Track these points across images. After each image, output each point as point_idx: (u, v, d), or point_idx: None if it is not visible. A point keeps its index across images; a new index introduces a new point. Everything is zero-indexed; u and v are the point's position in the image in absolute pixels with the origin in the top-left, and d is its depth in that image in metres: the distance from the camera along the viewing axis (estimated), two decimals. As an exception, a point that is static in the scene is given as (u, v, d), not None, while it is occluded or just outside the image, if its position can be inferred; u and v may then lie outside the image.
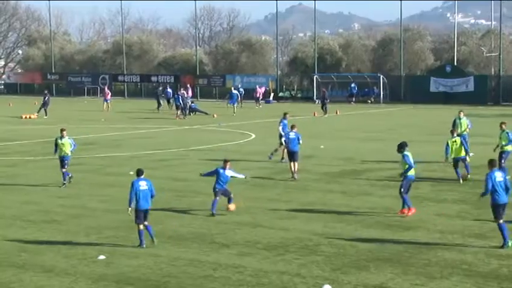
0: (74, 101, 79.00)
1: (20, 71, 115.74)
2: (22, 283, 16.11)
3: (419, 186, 26.96)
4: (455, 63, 79.23)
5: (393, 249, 18.40)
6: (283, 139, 32.07)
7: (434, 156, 35.08)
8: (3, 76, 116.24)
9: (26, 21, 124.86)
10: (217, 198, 22.66)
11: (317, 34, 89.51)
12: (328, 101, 63.78)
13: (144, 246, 18.64)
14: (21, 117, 60.78)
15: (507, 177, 18.86)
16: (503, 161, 28.55)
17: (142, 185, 18.91)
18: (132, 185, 18.87)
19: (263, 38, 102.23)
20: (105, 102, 67.73)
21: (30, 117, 60.80)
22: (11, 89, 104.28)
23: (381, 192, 26.26)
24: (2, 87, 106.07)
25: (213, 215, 22.29)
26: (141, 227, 18.76)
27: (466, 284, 15.76)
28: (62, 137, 28.79)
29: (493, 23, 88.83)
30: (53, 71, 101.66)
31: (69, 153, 28.64)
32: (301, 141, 30.24)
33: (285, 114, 35.87)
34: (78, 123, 56.42)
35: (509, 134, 29.19)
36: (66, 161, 28.30)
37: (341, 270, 16.74)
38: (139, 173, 19.21)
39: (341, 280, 16.05)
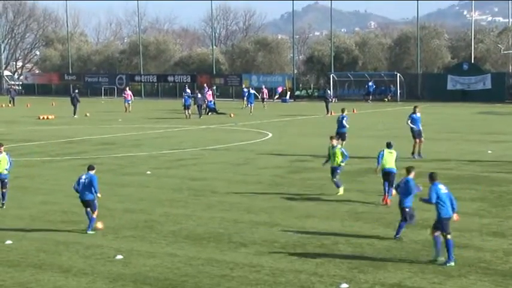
0: (91, 101, 79.24)
1: (37, 71, 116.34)
2: (40, 283, 16.18)
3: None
4: (473, 61, 78.91)
5: (411, 248, 18.34)
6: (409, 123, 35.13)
7: (451, 154, 35.00)
8: (21, 77, 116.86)
9: (43, 23, 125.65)
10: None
11: (333, 33, 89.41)
12: (331, 100, 63.65)
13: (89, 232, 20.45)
14: (39, 118, 61.04)
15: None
16: None
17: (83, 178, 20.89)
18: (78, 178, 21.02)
19: (279, 37, 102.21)
20: (126, 103, 67.53)
21: (47, 118, 61.03)
22: (29, 89, 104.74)
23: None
24: (20, 88, 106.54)
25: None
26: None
27: (484, 282, 15.69)
28: None
29: (511, 20, 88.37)
30: (70, 71, 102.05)
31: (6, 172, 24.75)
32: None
33: (414, 107, 36.50)
34: (96, 123, 56.62)
35: None
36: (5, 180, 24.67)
37: (358, 269, 16.71)
38: (89, 168, 21.19)
39: (358, 279, 16.02)
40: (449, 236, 16.97)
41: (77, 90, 69.57)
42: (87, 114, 63.29)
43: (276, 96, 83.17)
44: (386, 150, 25.09)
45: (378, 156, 24.97)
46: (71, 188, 27.78)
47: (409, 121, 35.01)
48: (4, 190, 24.36)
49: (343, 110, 38.11)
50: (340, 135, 34.82)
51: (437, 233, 17.10)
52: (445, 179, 28.15)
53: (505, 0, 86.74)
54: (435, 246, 17.16)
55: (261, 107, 68.68)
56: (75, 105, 64.15)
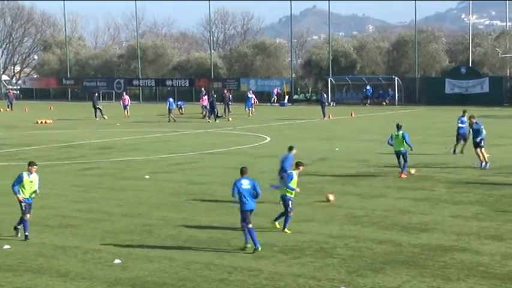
0: (89, 105, 79.05)
1: (35, 76, 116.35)
2: (38, 287, 16.15)
3: (435, 188, 26.90)
4: (470, 65, 79.01)
5: (409, 251, 18.34)
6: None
7: (450, 158, 35.01)
8: (19, 81, 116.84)
9: (41, 27, 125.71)
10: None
11: (331, 36, 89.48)
12: (326, 104, 63.62)
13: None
14: (37, 122, 61.02)
15: (256, 183, 19.37)
16: None
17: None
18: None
19: (277, 41, 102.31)
20: (124, 109, 67.11)
21: (45, 122, 61.02)
22: (27, 94, 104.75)
23: (397, 194, 26.18)
24: (18, 92, 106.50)
25: None
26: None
27: (483, 286, 15.68)
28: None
29: (508, 23, 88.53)
30: (68, 75, 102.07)
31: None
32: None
33: (464, 111, 37.42)
34: (94, 127, 56.61)
35: None
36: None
37: (357, 272, 16.70)
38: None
39: (357, 283, 16.01)
40: (250, 225, 18.73)
41: (96, 94, 69.69)
42: (106, 117, 63.88)
43: (273, 99, 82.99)
44: (394, 133, 29.75)
45: (388, 140, 30.25)
46: (69, 192, 27.89)
47: (458, 123, 36.62)
48: (28, 217, 20.65)
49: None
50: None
51: (244, 224, 18.79)
52: (444, 182, 28.26)
53: (503, 2, 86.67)
54: (245, 236, 18.78)
55: (262, 110, 68.66)
56: (95, 109, 65.29)
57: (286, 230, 20.58)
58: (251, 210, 19.00)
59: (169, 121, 60.11)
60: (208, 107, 63.85)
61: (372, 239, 19.58)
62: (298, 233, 20.51)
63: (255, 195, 19.19)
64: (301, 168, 21.28)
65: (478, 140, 31.99)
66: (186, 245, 19.40)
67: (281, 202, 21.23)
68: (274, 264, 17.50)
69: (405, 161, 29.85)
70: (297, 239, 19.83)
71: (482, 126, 32.48)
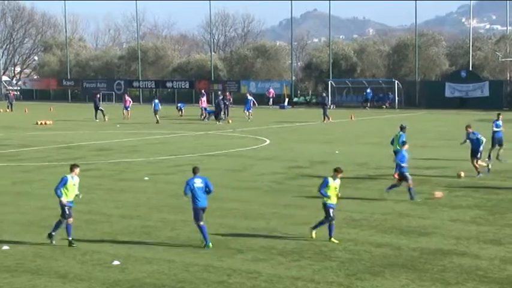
0: (89, 106, 79.00)
1: (35, 77, 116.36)
2: (37, 288, 16.17)
3: (434, 192, 26.88)
4: (471, 69, 79.04)
5: (408, 255, 18.34)
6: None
7: (449, 162, 35.00)
8: (19, 82, 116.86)
9: (42, 28, 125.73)
10: None
11: (332, 39, 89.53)
12: (328, 106, 63.51)
13: None
14: (37, 123, 61.02)
15: (209, 181, 19.81)
16: None
17: None
18: None
19: (278, 44, 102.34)
20: (125, 110, 67.13)
21: (45, 123, 61.02)
22: (27, 95, 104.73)
23: (396, 197, 26.17)
24: (18, 93, 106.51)
25: None
26: None
27: (481, 290, 15.69)
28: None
29: (509, 28, 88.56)
30: (69, 77, 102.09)
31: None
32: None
33: (498, 114, 36.82)
34: (94, 128, 56.63)
35: None
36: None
37: (356, 276, 16.70)
38: None
39: (355, 286, 16.01)
40: (201, 223, 19.29)
41: (98, 96, 69.64)
42: (107, 119, 63.72)
43: (270, 101, 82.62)
44: (395, 134, 30.49)
45: (391, 141, 30.92)
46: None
47: (494, 127, 35.52)
48: (71, 221, 19.94)
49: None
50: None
51: (199, 222, 19.35)
52: (443, 186, 28.26)
53: (503, 5, 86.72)
54: (201, 233, 19.31)
55: (261, 112, 68.67)
56: (96, 110, 65.21)
57: (333, 239, 19.79)
58: (204, 208, 19.52)
59: (157, 122, 60.52)
60: (206, 109, 63.94)
61: (371, 243, 19.59)
62: (297, 235, 20.51)
63: (208, 192, 19.70)
64: (339, 174, 20.37)
65: (479, 151, 30.63)
66: (184, 247, 19.40)
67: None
68: (273, 266, 17.51)
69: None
70: (296, 241, 19.82)
71: (480, 136, 31.02)
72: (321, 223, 20.17)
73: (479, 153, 30.71)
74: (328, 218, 19.96)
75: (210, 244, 19.24)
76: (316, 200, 25.92)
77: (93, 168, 34.58)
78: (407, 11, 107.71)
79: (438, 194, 26.14)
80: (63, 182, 19.93)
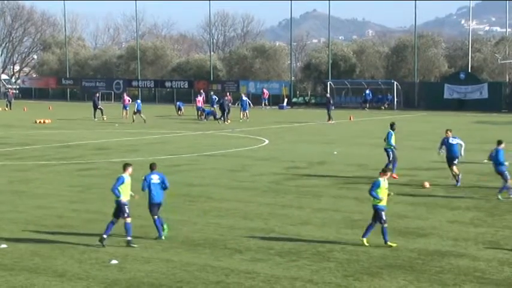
0: (88, 105, 78.99)
1: (34, 75, 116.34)
2: (34, 287, 16.14)
3: (432, 193, 26.90)
4: (470, 70, 79.07)
5: (406, 256, 18.34)
6: None
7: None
8: (18, 81, 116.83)
9: (41, 27, 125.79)
10: None
11: (331, 40, 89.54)
12: (333, 107, 63.50)
13: None
14: (36, 122, 61.00)
15: (166, 178, 20.37)
16: None
17: None
18: None
19: (277, 44, 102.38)
20: (124, 110, 66.89)
21: (44, 122, 61.00)
22: (26, 93, 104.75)
23: (394, 198, 26.13)
24: (17, 91, 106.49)
25: None
26: None
27: (479, 291, 15.69)
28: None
29: (508, 30, 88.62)
30: (68, 76, 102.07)
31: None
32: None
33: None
34: (92, 127, 56.61)
35: None
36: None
37: (353, 276, 16.70)
38: None
39: (353, 287, 16.00)
40: (155, 217, 20.06)
41: (97, 94, 69.53)
42: (105, 118, 63.54)
43: (264, 103, 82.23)
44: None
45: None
46: (66, 193, 27.88)
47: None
48: (129, 220, 19.85)
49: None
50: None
51: (154, 216, 20.11)
52: (442, 188, 28.24)
53: (503, 7, 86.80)
54: (155, 226, 20.05)
55: (256, 113, 68.63)
56: (95, 109, 65.15)
57: (389, 243, 19.18)
58: (159, 204, 20.16)
59: (133, 121, 60.93)
60: (205, 110, 63.99)
61: (369, 243, 19.56)
62: (295, 236, 20.51)
63: (164, 188, 20.26)
64: (388, 174, 19.95)
65: (455, 156, 28.94)
66: (183, 247, 19.39)
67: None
68: (271, 267, 17.50)
69: (388, 160, 30.76)
70: (294, 242, 19.82)
71: (460, 140, 29.27)
72: (369, 228, 19.56)
73: (456, 159, 28.95)
74: (380, 222, 19.34)
75: (163, 237, 19.98)
76: (315, 200, 25.95)
77: (92, 167, 34.57)
78: (407, 12, 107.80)
79: (426, 184, 26.69)
80: (120, 181, 19.96)
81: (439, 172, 32.21)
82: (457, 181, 28.89)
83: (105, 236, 19.55)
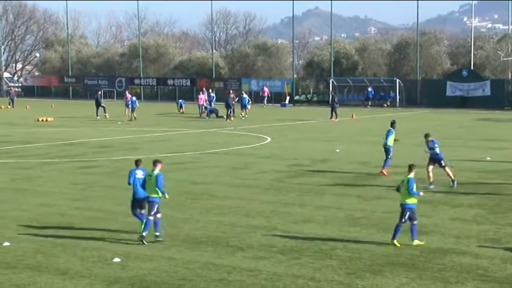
0: (90, 103, 79.04)
1: (37, 73, 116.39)
2: (37, 285, 16.15)
3: (435, 191, 26.88)
4: (472, 68, 79.01)
5: (408, 254, 18.33)
6: None
7: (450, 161, 34.97)
8: (21, 79, 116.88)
9: (43, 25, 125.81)
10: None
11: (333, 38, 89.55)
12: (338, 105, 63.46)
13: None
14: (38, 120, 61.03)
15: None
16: None
17: None
18: None
19: (279, 42, 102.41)
20: (126, 108, 66.43)
21: (46, 120, 61.03)
22: (28, 91, 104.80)
23: (396, 196, 26.11)
24: (19, 89, 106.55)
25: None
26: None
27: (481, 289, 15.69)
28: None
29: (510, 27, 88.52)
30: (70, 73, 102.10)
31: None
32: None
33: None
34: (95, 125, 56.63)
35: None
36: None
37: (356, 274, 16.70)
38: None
39: (356, 284, 16.01)
40: (143, 211, 20.06)
41: (100, 92, 69.41)
42: (107, 116, 63.41)
43: (264, 102, 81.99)
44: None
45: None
46: (68, 190, 27.90)
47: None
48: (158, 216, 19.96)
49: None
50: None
51: (142, 211, 20.16)
52: (443, 185, 28.20)
53: (505, 4, 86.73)
54: (145, 225, 19.69)
55: (256, 110, 68.53)
56: (97, 106, 65.02)
57: (417, 241, 19.10)
58: (141, 199, 20.16)
59: (130, 119, 60.74)
60: (207, 108, 64.04)
61: (371, 241, 19.58)
62: (297, 233, 20.51)
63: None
64: (414, 170, 19.64)
65: (441, 158, 28.28)
66: (185, 245, 19.40)
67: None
68: (273, 264, 17.51)
69: (386, 157, 30.92)
70: (296, 240, 19.82)
71: (437, 145, 28.46)
72: (398, 228, 19.22)
73: (442, 161, 28.22)
74: (404, 220, 19.12)
75: (145, 234, 19.57)
76: (317, 198, 25.95)
77: (94, 165, 34.60)
78: (409, 9, 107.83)
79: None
80: (162, 178, 19.97)
81: (441, 169, 32.16)
82: (453, 181, 27.93)
83: (144, 234, 19.65)
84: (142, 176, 20.17)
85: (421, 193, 19.68)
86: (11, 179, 30.90)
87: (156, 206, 19.74)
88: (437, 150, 28.38)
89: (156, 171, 19.94)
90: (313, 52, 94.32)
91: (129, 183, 20.41)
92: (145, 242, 19.36)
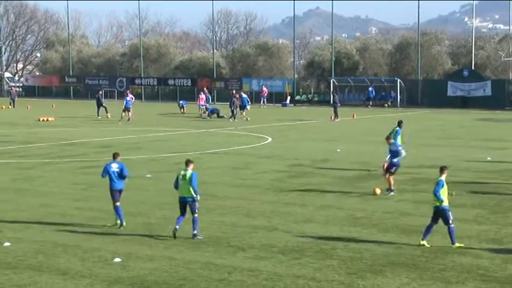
0: (91, 103, 79.09)
1: (38, 73, 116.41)
2: (38, 285, 16.15)
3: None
4: (473, 68, 78.98)
5: (409, 254, 18.33)
6: None
7: (450, 161, 34.97)
8: (22, 79, 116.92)
9: (44, 25, 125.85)
10: None
11: (334, 38, 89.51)
12: (339, 105, 63.45)
13: None
14: (39, 120, 61.04)
15: (125, 167, 21.75)
16: None
17: None
18: None
19: (280, 42, 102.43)
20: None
21: (47, 120, 61.04)
22: (29, 91, 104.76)
23: (397, 196, 26.18)
24: (20, 89, 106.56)
25: None
26: None
27: (482, 289, 15.68)
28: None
29: (511, 27, 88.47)
30: (71, 73, 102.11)
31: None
32: None
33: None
34: (96, 125, 56.63)
35: None
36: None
37: (357, 274, 16.70)
38: None
39: (356, 284, 16.01)
40: (118, 204, 21.34)
41: (101, 92, 69.24)
42: (109, 116, 63.20)
43: (263, 101, 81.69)
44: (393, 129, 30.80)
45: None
46: (69, 191, 27.91)
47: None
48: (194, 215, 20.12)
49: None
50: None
51: (116, 203, 21.44)
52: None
53: (506, 4, 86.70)
54: (116, 214, 21.38)
55: (256, 111, 68.49)
56: (98, 106, 64.76)
57: (457, 244, 18.81)
58: (120, 190, 21.52)
59: (128, 119, 60.12)
60: (208, 108, 64.08)
61: (372, 241, 19.58)
62: (298, 233, 20.51)
63: (123, 177, 21.60)
64: (446, 172, 19.44)
65: (395, 164, 27.00)
66: (186, 245, 19.40)
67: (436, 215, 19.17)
68: (274, 265, 17.51)
69: (392, 157, 27.22)
70: (297, 240, 19.82)
71: (400, 147, 27.74)
72: (429, 230, 19.14)
73: (394, 168, 26.91)
74: (448, 223, 18.87)
75: (124, 223, 21.17)
76: (318, 198, 25.95)
77: (95, 165, 34.57)
78: (410, 10, 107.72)
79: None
80: (196, 177, 20.15)
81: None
82: (391, 190, 26.69)
83: (177, 227, 20.04)
84: (117, 169, 21.54)
85: (442, 196, 19.05)
86: (12, 179, 30.91)
87: (196, 205, 20.00)
88: (401, 151, 27.36)
89: (190, 171, 20.12)
90: (314, 52, 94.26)
91: (102, 176, 21.85)
92: (199, 237, 19.85)
